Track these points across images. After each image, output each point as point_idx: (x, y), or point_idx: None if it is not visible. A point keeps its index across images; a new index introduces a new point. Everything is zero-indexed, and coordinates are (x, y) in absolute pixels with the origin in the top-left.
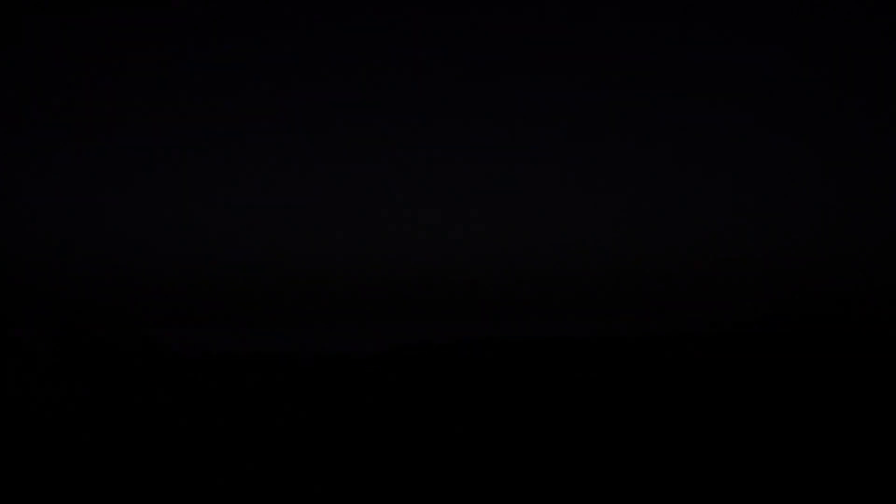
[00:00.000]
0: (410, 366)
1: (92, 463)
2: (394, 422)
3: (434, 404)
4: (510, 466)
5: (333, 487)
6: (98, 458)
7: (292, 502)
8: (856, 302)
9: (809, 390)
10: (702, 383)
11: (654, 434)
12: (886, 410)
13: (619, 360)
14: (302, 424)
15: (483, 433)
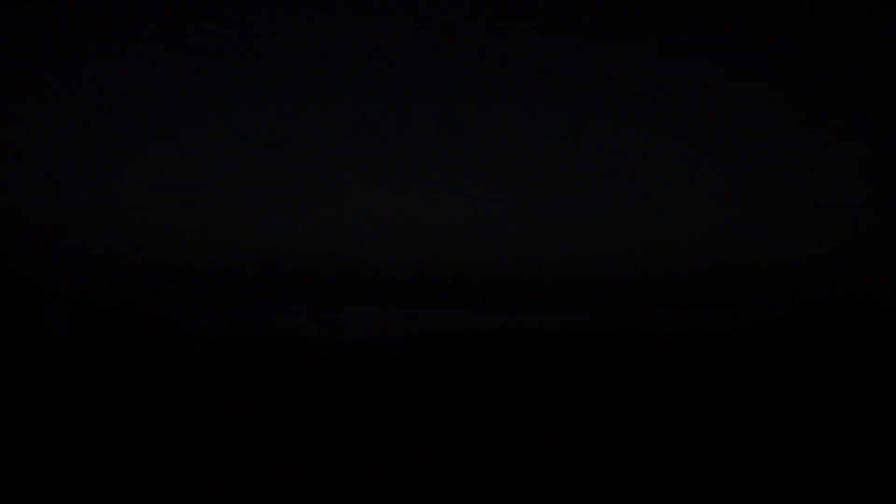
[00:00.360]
0: (426, 355)
1: (95, 441)
2: (402, 413)
3: (440, 400)
4: (512, 467)
5: (337, 469)
6: (102, 436)
7: (299, 486)
8: (862, 302)
9: (810, 390)
10: (702, 382)
11: (657, 433)
12: (886, 411)
13: (625, 355)
14: (309, 411)
15: (486, 432)
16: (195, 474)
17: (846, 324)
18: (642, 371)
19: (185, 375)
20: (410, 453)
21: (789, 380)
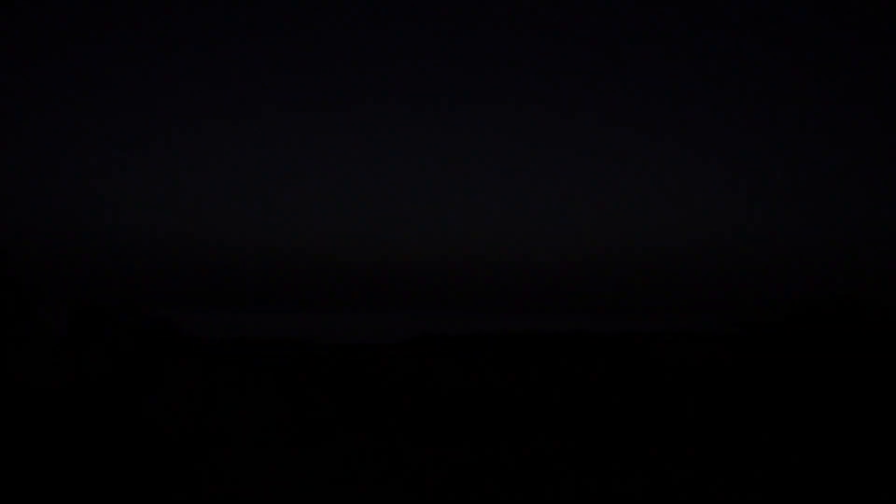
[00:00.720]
0: (427, 357)
1: (95, 444)
2: (407, 415)
3: (445, 399)
4: (514, 467)
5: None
6: (102, 439)
7: (299, 494)
8: (862, 302)
9: (810, 390)
10: (700, 382)
11: (655, 432)
12: (887, 410)
13: (622, 357)
14: (310, 412)
15: (488, 432)
16: (195, 475)
17: (846, 324)
18: (642, 372)
19: (184, 377)
20: (411, 454)
21: (790, 380)
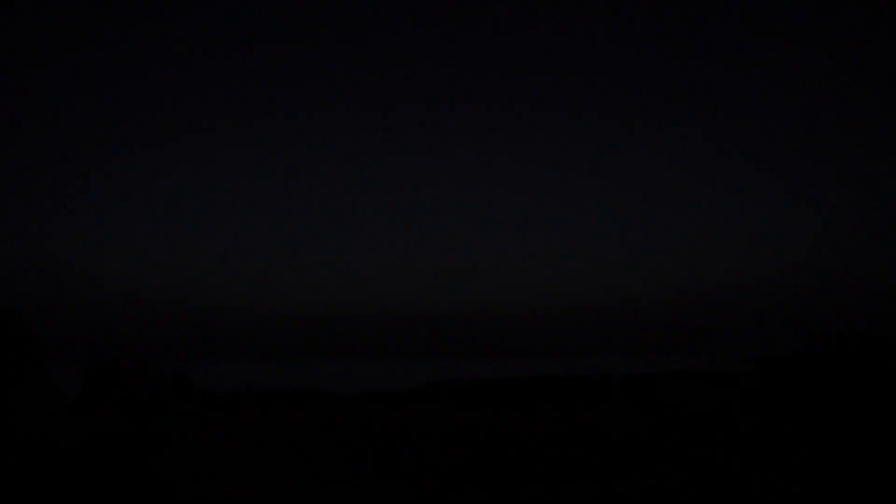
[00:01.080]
0: (442, 403)
1: (109, 499)
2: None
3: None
4: None
5: None
6: (117, 494)
7: None
8: (875, 337)
9: (817, 431)
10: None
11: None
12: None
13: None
14: (332, 464)
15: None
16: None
17: (859, 360)
18: (647, 412)
19: (197, 433)
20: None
21: (795, 420)
